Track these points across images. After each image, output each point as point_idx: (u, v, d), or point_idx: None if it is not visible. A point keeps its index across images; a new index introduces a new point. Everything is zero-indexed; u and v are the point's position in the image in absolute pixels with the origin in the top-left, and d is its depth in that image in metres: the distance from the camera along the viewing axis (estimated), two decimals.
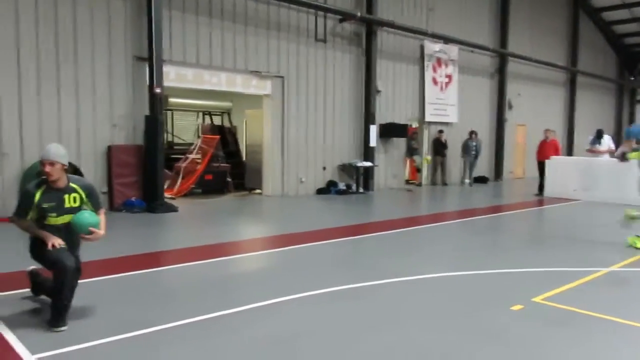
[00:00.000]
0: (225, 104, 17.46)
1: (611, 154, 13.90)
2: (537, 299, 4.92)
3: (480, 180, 18.32)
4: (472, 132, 17.25)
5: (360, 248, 7.55)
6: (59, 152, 4.13)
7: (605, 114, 27.65)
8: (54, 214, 4.14)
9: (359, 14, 13.76)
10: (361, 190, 14.33)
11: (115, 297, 4.85)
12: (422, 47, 16.59)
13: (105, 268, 5.83)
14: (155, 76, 10.12)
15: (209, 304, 4.67)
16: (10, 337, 3.80)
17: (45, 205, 4.09)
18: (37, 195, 4.07)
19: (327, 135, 14.12)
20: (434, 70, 17.06)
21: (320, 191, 13.85)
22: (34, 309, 4.45)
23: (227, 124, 17.13)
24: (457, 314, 4.56)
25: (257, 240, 8.09)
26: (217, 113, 17.72)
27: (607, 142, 14.61)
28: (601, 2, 24.24)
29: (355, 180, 14.43)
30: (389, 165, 15.94)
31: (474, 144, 17.14)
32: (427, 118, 16.99)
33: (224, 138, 14.76)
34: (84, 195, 4.29)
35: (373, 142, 14.81)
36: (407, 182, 16.99)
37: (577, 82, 24.40)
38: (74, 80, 9.67)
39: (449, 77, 17.64)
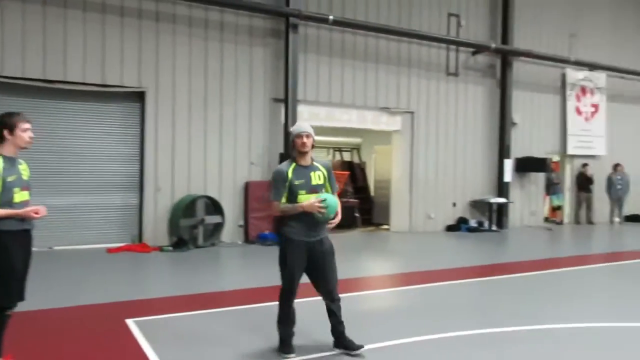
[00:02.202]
0: (355, 140, 17.82)
1: None
2: None
3: (634, 219, 16.41)
4: (616, 165, 15.65)
5: (494, 290, 7.14)
6: (310, 128, 4.39)
7: None
8: (304, 191, 4.24)
9: (493, 45, 13.35)
10: (494, 228, 13.61)
11: (240, 326, 5.06)
12: (563, 76, 15.55)
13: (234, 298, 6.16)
14: (290, 116, 10.70)
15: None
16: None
17: (296, 182, 4.23)
18: (290, 173, 4.24)
19: (457, 170, 13.72)
20: (578, 99, 15.86)
21: (449, 228, 13.41)
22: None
23: (356, 159, 17.44)
24: None
25: (384, 277, 8.03)
26: (347, 149, 18.14)
27: None
28: None
29: (488, 217, 13.76)
30: (526, 202, 14.97)
31: (619, 177, 15.49)
32: (570, 151, 15.74)
33: (353, 174, 15.02)
34: (325, 174, 4.43)
35: (508, 177, 14.07)
36: (547, 220, 15.79)
37: None
38: (218, 121, 10.58)
39: (595, 106, 16.25)
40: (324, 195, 4.24)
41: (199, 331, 4.91)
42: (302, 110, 11.28)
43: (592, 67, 15.72)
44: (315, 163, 4.40)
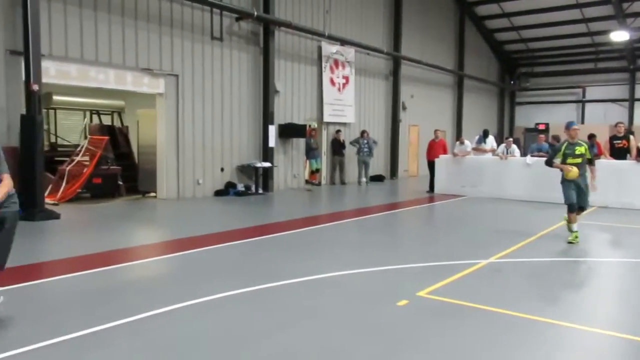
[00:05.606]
0: (117, 103, 16.54)
1: (493, 152, 14.98)
2: (422, 293, 5.14)
3: (377, 178, 18.95)
4: (363, 132, 17.73)
5: (258, 250, 7.47)
6: None
7: (488, 115, 29.79)
8: None
9: (255, 13, 13.65)
10: (260, 191, 14.23)
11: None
12: (319, 48, 16.82)
13: None
14: (33, 72, 9.31)
15: (97, 315, 4.38)
16: None
17: None
18: None
19: (224, 136, 13.86)
20: (332, 71, 17.38)
21: (218, 193, 13.56)
22: None
23: (118, 123, 16.26)
24: (348, 312, 4.64)
25: (150, 246, 7.72)
26: (107, 112, 16.75)
27: (491, 142, 15.71)
28: (484, 11, 26.07)
29: (255, 181, 14.30)
30: (289, 166, 15.99)
31: (366, 141, 17.58)
32: (326, 118, 17.26)
33: (115, 139, 13.98)
34: None
35: (272, 142, 14.77)
36: (307, 182, 17.15)
37: (464, 85, 26.05)
38: None
39: (346, 78, 18.05)
40: None
41: None
42: (48, 66, 9.96)
43: (343, 42, 17.33)
44: None
